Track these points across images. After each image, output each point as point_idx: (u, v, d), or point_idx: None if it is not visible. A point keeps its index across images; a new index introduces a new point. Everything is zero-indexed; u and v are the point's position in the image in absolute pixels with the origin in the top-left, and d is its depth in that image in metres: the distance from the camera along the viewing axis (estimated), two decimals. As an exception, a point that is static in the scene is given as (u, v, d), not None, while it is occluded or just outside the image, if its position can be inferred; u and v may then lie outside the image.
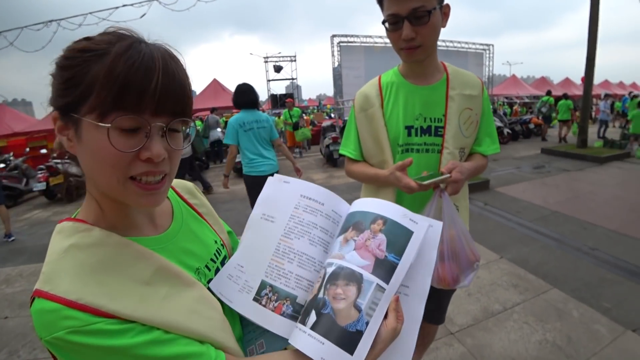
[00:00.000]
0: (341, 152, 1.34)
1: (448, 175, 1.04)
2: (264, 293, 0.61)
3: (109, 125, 0.44)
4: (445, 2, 1.09)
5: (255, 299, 0.61)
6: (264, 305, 0.60)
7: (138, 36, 0.49)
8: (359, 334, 0.52)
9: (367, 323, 0.53)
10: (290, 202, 0.66)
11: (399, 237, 0.60)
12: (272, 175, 0.73)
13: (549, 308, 2.49)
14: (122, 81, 0.43)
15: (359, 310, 0.54)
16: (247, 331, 0.69)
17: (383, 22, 1.11)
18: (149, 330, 0.46)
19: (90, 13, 8.77)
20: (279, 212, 0.66)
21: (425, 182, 1.00)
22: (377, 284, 0.56)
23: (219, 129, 9.81)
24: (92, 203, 0.54)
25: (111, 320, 0.44)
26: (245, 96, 3.21)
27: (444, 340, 2.18)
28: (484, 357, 2.04)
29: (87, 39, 0.48)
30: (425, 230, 0.61)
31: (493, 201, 5.10)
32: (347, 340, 0.52)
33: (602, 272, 2.98)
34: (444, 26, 1.11)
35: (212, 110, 10.51)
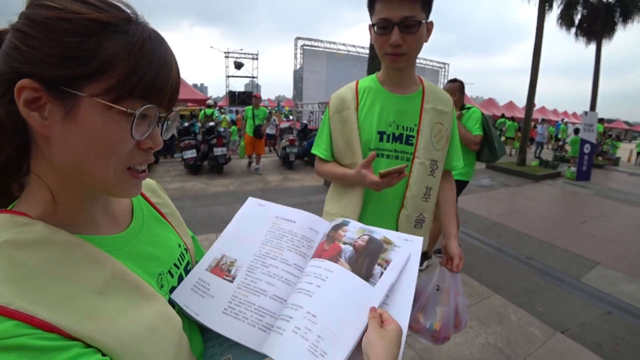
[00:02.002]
0: (313, 151, 1.33)
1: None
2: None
3: (137, 111, 0.42)
4: (430, 20, 1.10)
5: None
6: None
7: (134, 9, 0.45)
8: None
9: None
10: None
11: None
12: None
13: (491, 313, 2.64)
14: (152, 72, 0.42)
15: None
16: (209, 345, 0.61)
17: (372, 26, 1.11)
18: (90, 356, 0.37)
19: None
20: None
21: (383, 171, 1.03)
22: None
23: None
24: (41, 193, 0.44)
25: (42, 334, 0.34)
26: None
27: (394, 344, 2.21)
28: (432, 360, 2.10)
29: (87, 3, 0.41)
30: (407, 259, 0.62)
31: (443, 210, 5.35)
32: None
33: (536, 279, 3.24)
34: (426, 41, 1.13)
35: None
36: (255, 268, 0.60)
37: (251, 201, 0.74)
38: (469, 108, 3.11)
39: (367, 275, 0.57)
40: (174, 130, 0.54)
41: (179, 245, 0.63)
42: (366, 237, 0.63)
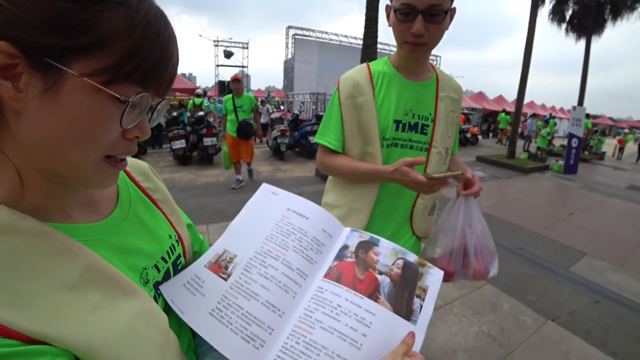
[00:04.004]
0: (318, 140, 1.18)
1: (460, 172, 1.01)
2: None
3: (131, 99, 0.37)
4: (453, 6, 1.03)
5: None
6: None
7: None
8: None
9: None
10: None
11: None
12: None
13: (484, 302, 2.66)
14: (154, 57, 0.38)
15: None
16: (197, 343, 0.57)
17: (393, 10, 1.03)
18: (55, 357, 0.33)
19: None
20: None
21: (436, 175, 0.94)
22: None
23: None
24: (7, 174, 0.39)
25: None
26: None
27: (389, 333, 2.21)
28: (428, 350, 2.11)
29: None
30: (440, 282, 0.60)
31: (434, 202, 5.39)
32: None
33: (527, 269, 3.28)
34: (447, 29, 1.07)
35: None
36: (252, 267, 0.55)
37: (264, 188, 0.69)
38: None
39: (408, 313, 0.54)
40: (161, 119, 0.48)
41: (170, 237, 0.58)
42: (401, 262, 0.59)
